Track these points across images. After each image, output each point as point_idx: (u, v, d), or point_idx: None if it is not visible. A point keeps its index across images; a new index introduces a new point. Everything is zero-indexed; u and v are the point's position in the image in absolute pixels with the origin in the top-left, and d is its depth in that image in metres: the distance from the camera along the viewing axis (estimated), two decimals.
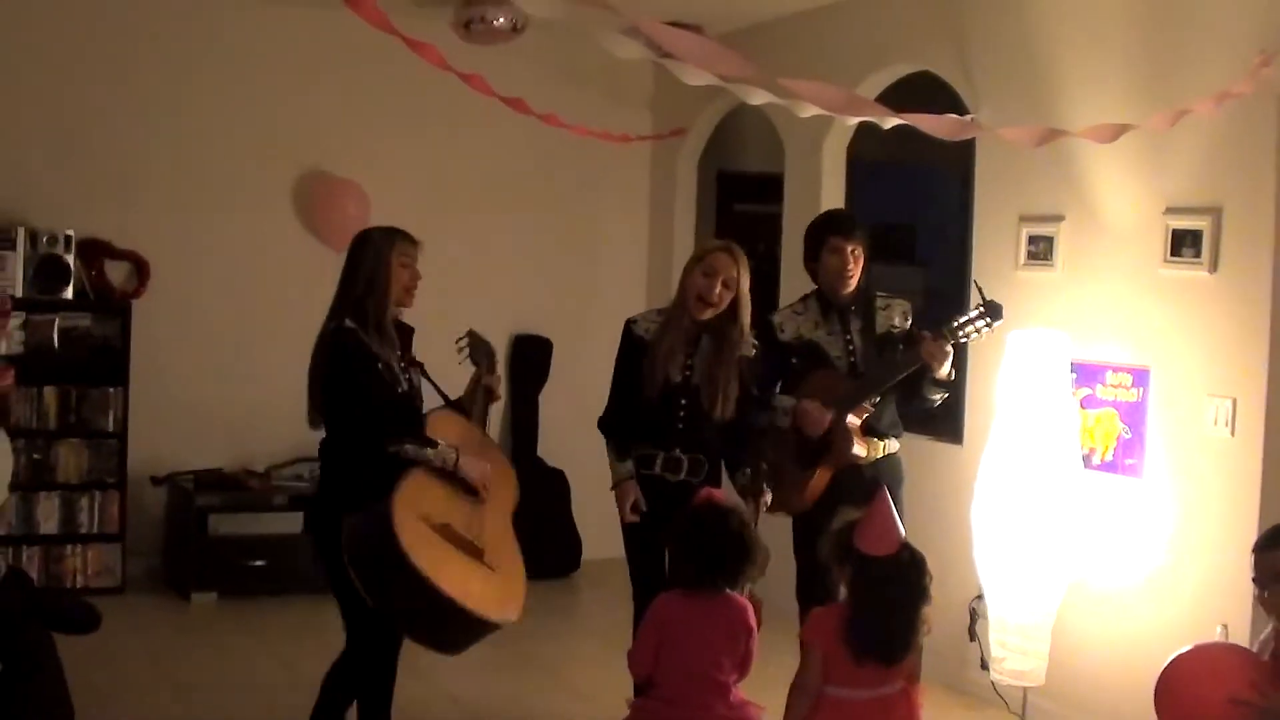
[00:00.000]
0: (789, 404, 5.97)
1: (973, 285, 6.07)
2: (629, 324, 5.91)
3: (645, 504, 5.73)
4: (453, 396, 5.59)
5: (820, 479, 5.90)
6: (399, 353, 5.35)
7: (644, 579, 5.73)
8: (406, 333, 5.45)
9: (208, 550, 8.40)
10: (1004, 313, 5.79)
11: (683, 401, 5.73)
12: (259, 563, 8.40)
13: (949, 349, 5.77)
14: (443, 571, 4.86)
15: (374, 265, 5.27)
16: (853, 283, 5.99)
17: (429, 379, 5.51)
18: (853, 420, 5.86)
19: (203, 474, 8.72)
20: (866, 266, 6.03)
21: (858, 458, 5.88)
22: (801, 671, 4.41)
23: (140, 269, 8.68)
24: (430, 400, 5.51)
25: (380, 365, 5.21)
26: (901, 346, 5.98)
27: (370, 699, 5.37)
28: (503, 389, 5.63)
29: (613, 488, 5.79)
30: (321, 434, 5.39)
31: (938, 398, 6.01)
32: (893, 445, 6.05)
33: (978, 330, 5.78)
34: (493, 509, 5.27)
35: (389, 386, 5.22)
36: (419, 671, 5.92)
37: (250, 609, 8.07)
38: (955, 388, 6.17)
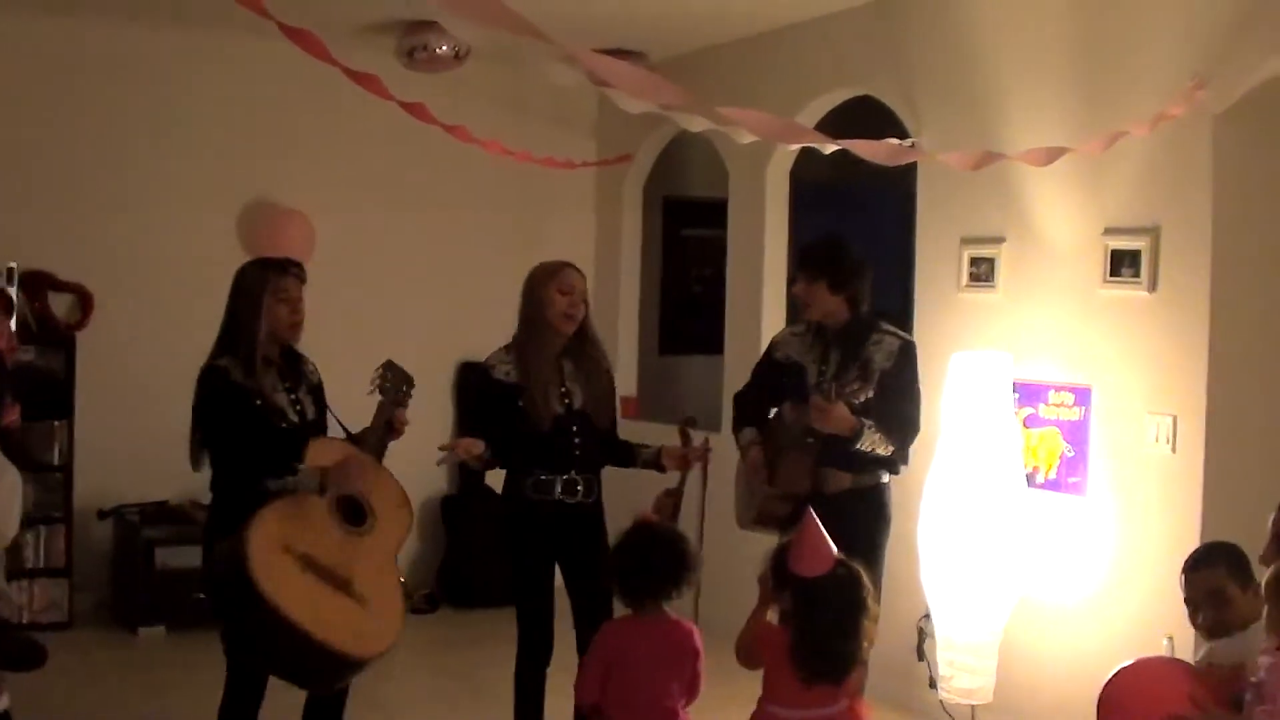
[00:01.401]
0: (747, 439, 6.01)
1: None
2: (489, 369, 5.83)
3: (540, 532, 5.77)
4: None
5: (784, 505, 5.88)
6: (286, 384, 5.31)
7: (532, 599, 5.79)
8: (294, 360, 5.40)
9: (155, 583, 8.34)
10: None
11: (574, 428, 5.77)
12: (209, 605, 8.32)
13: (828, 406, 5.54)
14: (293, 601, 4.73)
15: (247, 303, 5.23)
16: (810, 311, 5.91)
17: (327, 408, 5.46)
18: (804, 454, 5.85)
19: (149, 507, 8.68)
20: (850, 296, 5.87)
21: (799, 490, 5.83)
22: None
23: (84, 301, 8.63)
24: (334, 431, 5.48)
25: (258, 401, 5.16)
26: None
27: None
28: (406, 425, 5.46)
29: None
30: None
31: (864, 448, 5.68)
32: (866, 479, 5.83)
33: (854, 392, 5.64)
34: (375, 540, 5.12)
35: (263, 421, 5.15)
36: (369, 701, 5.91)
37: (199, 642, 7.93)
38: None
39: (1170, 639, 5.26)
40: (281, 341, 5.30)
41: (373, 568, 5.04)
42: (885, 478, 5.90)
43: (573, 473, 5.75)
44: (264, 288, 5.22)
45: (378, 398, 5.38)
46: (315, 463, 5.05)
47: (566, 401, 5.77)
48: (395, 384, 5.40)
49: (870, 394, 5.62)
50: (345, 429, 5.45)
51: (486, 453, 5.67)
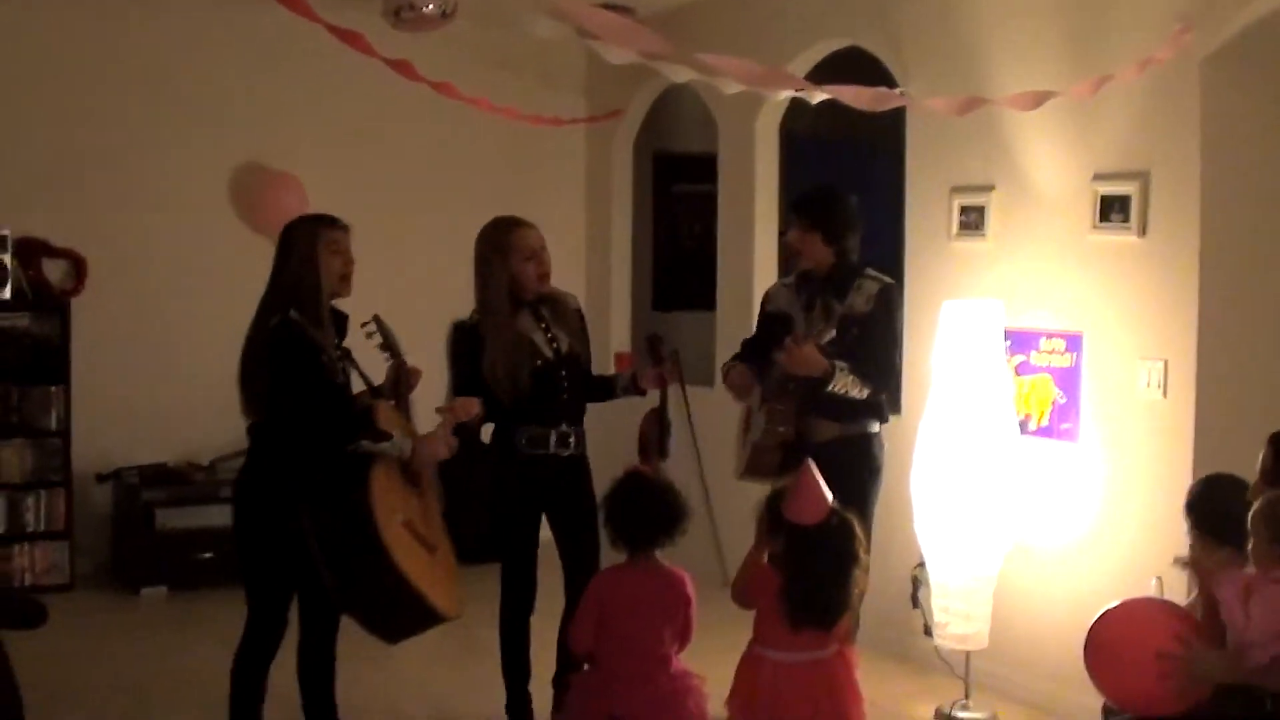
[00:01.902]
0: (728, 365, 6.11)
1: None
2: (466, 327, 5.91)
3: (529, 485, 5.83)
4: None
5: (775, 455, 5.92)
6: (336, 342, 5.33)
7: (517, 551, 5.89)
8: (342, 321, 5.40)
9: (156, 545, 8.42)
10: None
11: (563, 373, 5.82)
12: (207, 555, 8.40)
13: (798, 350, 5.61)
14: (413, 566, 4.89)
15: (303, 257, 5.22)
16: (801, 259, 5.99)
17: (357, 369, 5.47)
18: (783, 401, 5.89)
19: (148, 469, 8.72)
20: (840, 248, 5.93)
21: (785, 435, 5.87)
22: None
23: (78, 267, 8.66)
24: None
25: (324, 357, 5.18)
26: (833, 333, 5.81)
27: (248, 681, 5.39)
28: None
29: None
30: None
31: (837, 390, 5.71)
32: (853, 428, 5.88)
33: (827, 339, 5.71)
34: (431, 502, 5.29)
35: (328, 379, 5.18)
36: (367, 657, 5.94)
37: (200, 601, 8.07)
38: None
39: (1159, 579, 5.30)
40: (332, 294, 5.29)
41: (437, 528, 5.24)
42: (874, 427, 5.94)
43: (563, 425, 5.80)
44: (317, 241, 5.23)
45: (384, 357, 5.42)
46: (388, 427, 5.11)
47: (555, 346, 5.81)
48: (390, 338, 5.43)
49: (832, 334, 5.64)
50: (371, 385, 5.40)
51: (482, 410, 5.69)
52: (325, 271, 5.22)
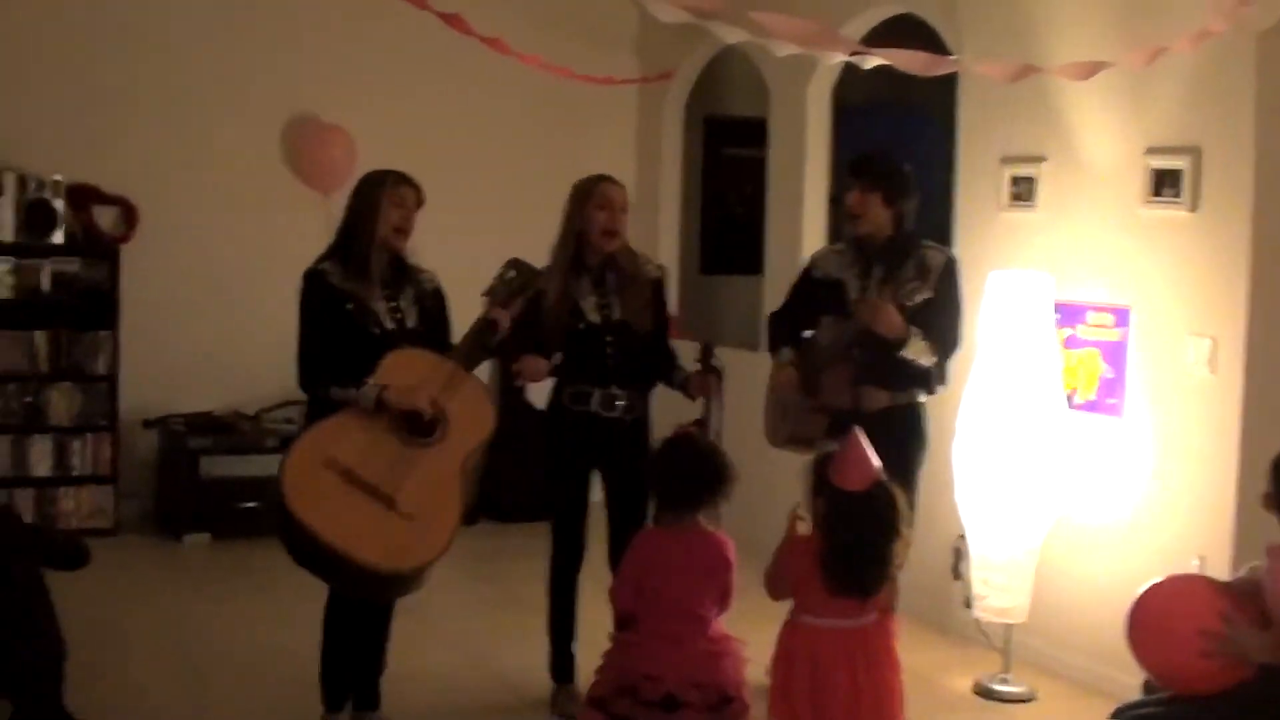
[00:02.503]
0: (785, 358, 6.03)
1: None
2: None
3: (576, 442, 5.84)
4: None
5: (819, 422, 5.91)
6: (388, 292, 5.35)
7: (564, 505, 5.91)
8: (401, 269, 5.41)
9: (200, 492, 8.49)
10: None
11: (608, 339, 5.80)
12: (251, 504, 8.45)
13: (885, 306, 5.62)
14: (320, 515, 4.83)
15: (363, 205, 5.30)
16: (862, 224, 5.89)
17: (430, 317, 5.46)
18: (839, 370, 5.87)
19: (194, 417, 8.79)
20: (899, 212, 5.89)
21: (838, 407, 5.83)
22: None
23: (129, 213, 8.71)
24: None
25: (351, 305, 5.23)
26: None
27: (339, 632, 5.43)
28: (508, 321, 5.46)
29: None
30: None
31: (909, 356, 5.74)
32: (903, 397, 5.88)
33: (917, 290, 5.70)
34: (439, 452, 5.14)
35: (355, 327, 5.22)
36: (408, 611, 5.97)
37: (242, 549, 8.13)
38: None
39: (1201, 559, 5.27)
40: (385, 245, 5.32)
41: (428, 482, 5.05)
42: (922, 397, 5.92)
43: (612, 386, 5.80)
44: (382, 191, 5.29)
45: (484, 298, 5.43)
46: (385, 377, 5.08)
47: (605, 312, 5.81)
48: (510, 282, 5.44)
49: (928, 295, 5.67)
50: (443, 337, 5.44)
51: (548, 368, 5.76)
52: (382, 219, 5.26)
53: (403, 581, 5.05)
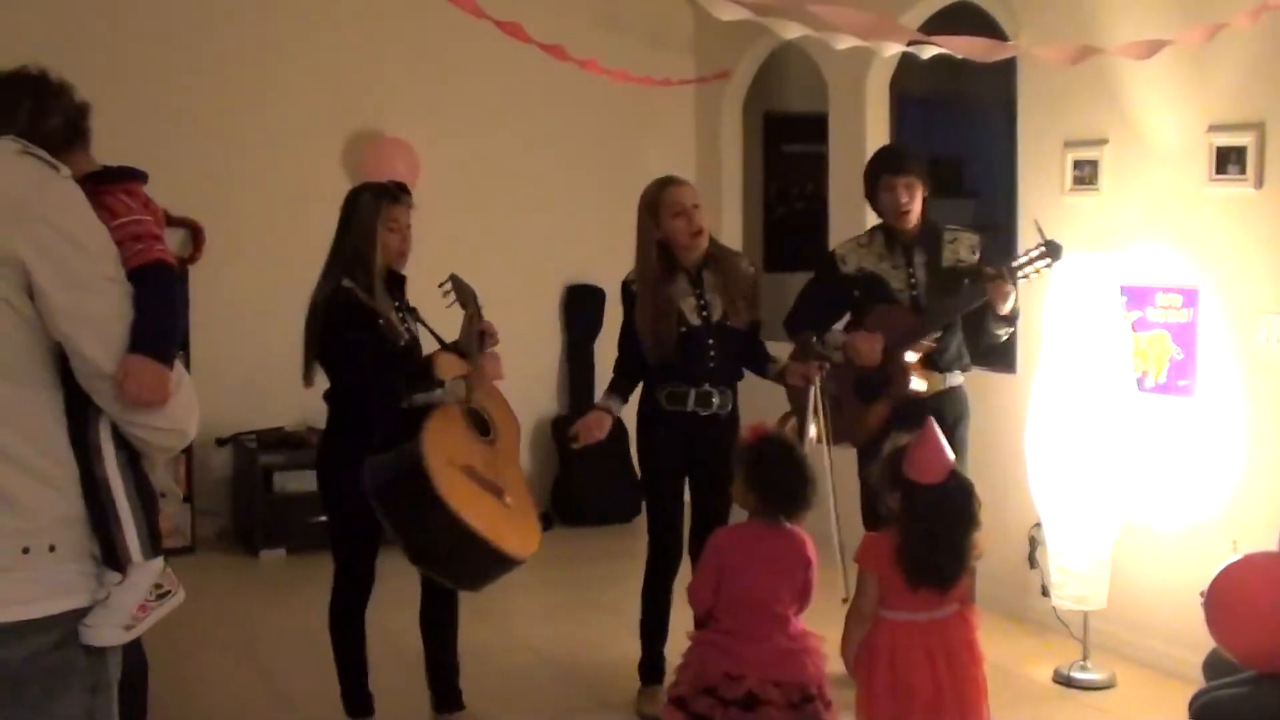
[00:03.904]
0: (841, 340, 6.03)
1: (1033, 224, 6.03)
2: (629, 285, 5.95)
3: (671, 442, 5.87)
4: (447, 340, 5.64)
5: (879, 413, 5.96)
6: (395, 304, 5.45)
7: (662, 507, 5.93)
8: (398, 282, 5.52)
9: (274, 508, 8.56)
10: (1063, 252, 5.83)
11: (710, 341, 5.82)
12: (324, 518, 8.47)
13: (1010, 287, 5.80)
14: (473, 510, 4.98)
15: (360, 231, 5.38)
16: (911, 217, 6.00)
17: (424, 325, 5.60)
18: (911, 355, 5.91)
19: (265, 434, 8.86)
20: (927, 199, 6.05)
21: (916, 392, 5.93)
22: (858, 597, 4.48)
23: (196, 235, 8.80)
24: (428, 346, 5.60)
25: (381, 321, 5.32)
26: (966, 281, 5.99)
27: (342, 632, 5.52)
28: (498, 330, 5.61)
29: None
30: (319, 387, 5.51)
31: (1003, 333, 6.07)
32: (955, 379, 6.09)
33: (1037, 269, 5.82)
34: (503, 449, 5.38)
35: (391, 340, 5.33)
36: (488, 616, 6.02)
37: (318, 563, 8.10)
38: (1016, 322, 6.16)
39: (1234, 543, 5.17)
40: (387, 267, 5.43)
41: (512, 475, 5.33)
42: (961, 379, 6.13)
43: (707, 385, 5.82)
44: (376, 218, 5.37)
45: (459, 311, 5.55)
46: (440, 373, 5.22)
47: (705, 314, 5.82)
48: (467, 295, 5.56)
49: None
50: (440, 340, 5.56)
51: (611, 423, 5.90)
52: (383, 248, 5.37)
53: (512, 568, 5.19)
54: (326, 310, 5.32)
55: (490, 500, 5.13)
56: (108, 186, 3.30)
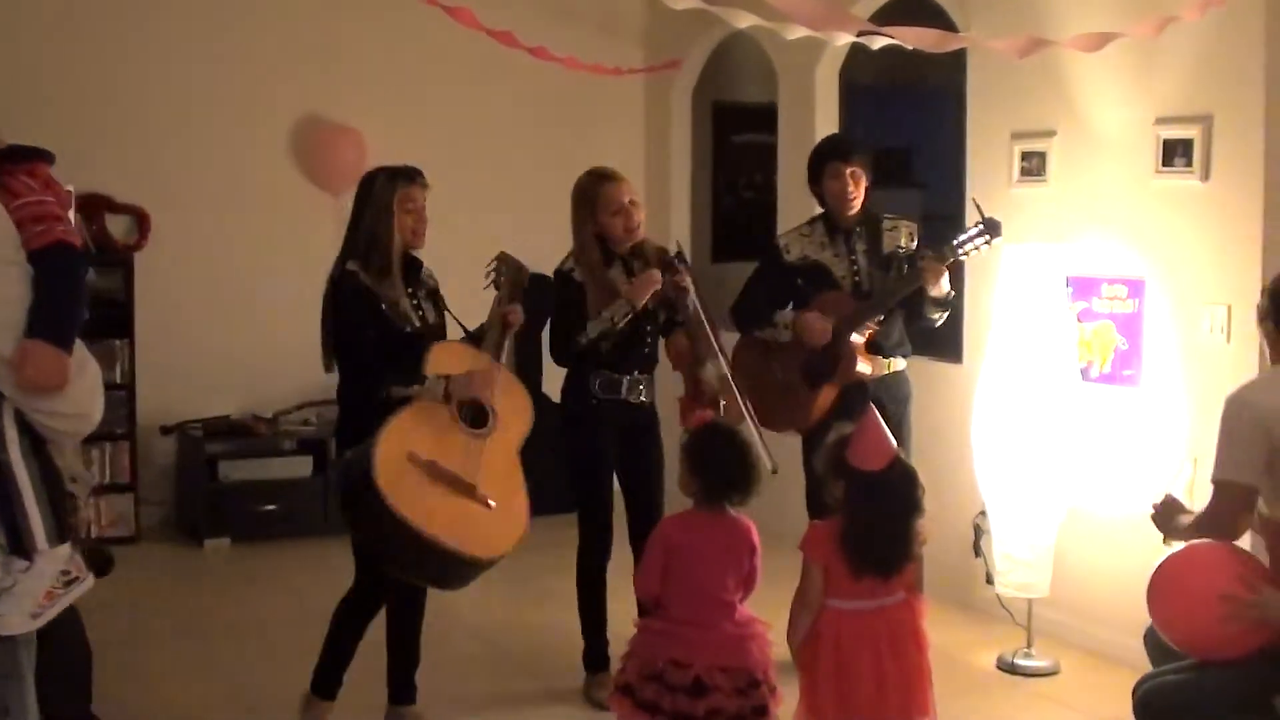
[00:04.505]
0: (789, 318, 6.08)
1: (970, 203, 6.09)
2: (569, 273, 5.95)
3: (604, 431, 5.90)
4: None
5: (826, 396, 6.02)
6: (410, 289, 5.42)
7: (593, 496, 5.95)
8: (415, 267, 5.50)
9: (219, 497, 8.50)
10: (1002, 229, 5.86)
11: (648, 327, 5.88)
12: (270, 507, 8.48)
13: (942, 268, 5.87)
14: (420, 508, 4.90)
15: (376, 211, 5.34)
16: (855, 204, 6.06)
17: (449, 311, 5.58)
18: (857, 338, 5.95)
19: (211, 422, 8.79)
20: (869, 189, 6.09)
21: (863, 375, 6.00)
22: (802, 585, 4.48)
23: (141, 221, 8.72)
24: (453, 332, 5.60)
25: (385, 306, 5.29)
26: (906, 267, 6.04)
27: (353, 628, 5.49)
28: (520, 317, 5.59)
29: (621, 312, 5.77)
30: (335, 377, 5.48)
31: (937, 316, 6.10)
32: (899, 363, 6.17)
33: (976, 247, 5.88)
34: (497, 441, 5.27)
35: (393, 326, 5.29)
36: (434, 606, 5.97)
37: (263, 552, 8.16)
38: (954, 306, 6.22)
39: (1194, 461, 5.19)
40: (404, 248, 5.40)
41: (498, 470, 5.20)
42: (902, 364, 6.21)
43: (637, 372, 5.84)
44: (392, 198, 5.34)
45: (493, 292, 5.54)
46: (436, 369, 5.18)
47: (652, 300, 5.82)
48: (511, 275, 5.55)
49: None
50: (463, 327, 5.56)
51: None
52: (399, 226, 5.33)
53: (485, 568, 5.14)
54: (333, 295, 5.32)
55: (454, 500, 5.03)
56: (8, 167, 3.21)
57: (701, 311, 5.78)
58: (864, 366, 5.99)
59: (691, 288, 5.77)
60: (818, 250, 6.13)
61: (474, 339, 5.49)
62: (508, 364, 5.45)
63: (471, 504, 5.07)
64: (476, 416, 5.26)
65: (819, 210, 6.26)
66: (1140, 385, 6.23)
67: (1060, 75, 6.50)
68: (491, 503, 5.10)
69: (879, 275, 6.07)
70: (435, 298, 5.59)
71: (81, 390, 2.97)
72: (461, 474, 5.08)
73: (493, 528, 5.10)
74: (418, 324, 5.39)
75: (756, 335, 6.25)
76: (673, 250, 5.97)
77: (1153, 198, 6.17)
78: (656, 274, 5.75)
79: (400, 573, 5.20)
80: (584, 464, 5.95)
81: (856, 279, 6.08)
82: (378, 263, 5.31)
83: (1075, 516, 6.39)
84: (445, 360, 5.25)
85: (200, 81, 8.86)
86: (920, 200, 10.09)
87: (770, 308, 6.19)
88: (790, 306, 6.17)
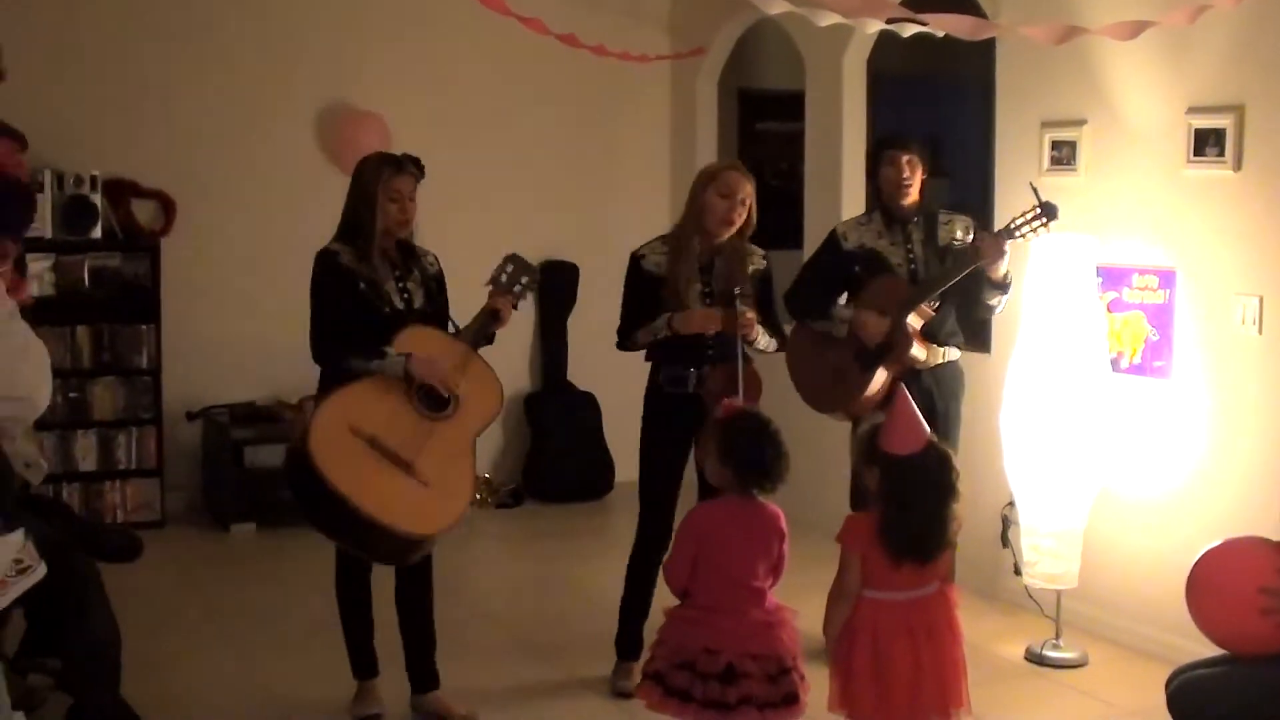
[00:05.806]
0: (847, 314, 6.12)
1: (1030, 186, 6.03)
2: (637, 259, 5.94)
3: (673, 420, 5.84)
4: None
5: (880, 381, 5.99)
6: (396, 273, 5.46)
7: (660, 494, 5.89)
8: (410, 252, 5.55)
9: (244, 482, 8.51)
10: (1058, 212, 5.88)
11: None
12: None
13: (1005, 248, 5.89)
14: (352, 477, 4.96)
15: (363, 196, 5.42)
16: (911, 193, 6.09)
17: (438, 297, 5.60)
18: (913, 323, 5.95)
19: (237, 407, 8.81)
20: (925, 183, 6.13)
21: (916, 360, 6.01)
22: (840, 576, 4.46)
23: (166, 207, 8.72)
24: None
25: (363, 285, 5.35)
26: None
27: (351, 601, 5.61)
28: (511, 315, 5.59)
29: (669, 328, 5.78)
30: None
31: (996, 301, 6.12)
32: (953, 353, 6.18)
33: (1034, 229, 5.89)
34: (452, 426, 5.28)
35: (370, 306, 5.35)
36: (460, 593, 6.01)
37: (288, 538, 8.15)
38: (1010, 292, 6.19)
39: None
40: (388, 234, 5.44)
41: (444, 453, 5.20)
42: (956, 354, 6.22)
43: (704, 366, 5.82)
44: (377, 185, 5.39)
45: (489, 288, 5.57)
46: (401, 348, 5.23)
47: (708, 301, 5.81)
48: (513, 276, 5.59)
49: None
50: (454, 322, 5.57)
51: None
52: (381, 214, 5.40)
53: (419, 546, 5.19)
54: (312, 274, 5.41)
55: (390, 473, 5.07)
56: None
57: (741, 361, 5.73)
58: (918, 351, 5.99)
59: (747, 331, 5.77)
60: (874, 239, 6.17)
61: (455, 330, 5.53)
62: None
63: (408, 480, 5.09)
64: (437, 400, 5.29)
65: (853, 197, 6.25)
66: (1171, 377, 6.20)
67: (1091, 64, 6.46)
68: (419, 475, 5.11)
69: (935, 264, 6.08)
70: (434, 284, 5.61)
71: (24, 374, 2.92)
72: (399, 451, 5.11)
73: (426, 505, 5.11)
74: (400, 306, 5.43)
75: (811, 327, 6.22)
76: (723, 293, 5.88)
77: (1184, 188, 6.13)
78: (716, 317, 5.74)
79: (333, 538, 5.26)
80: (650, 463, 5.95)
81: (913, 267, 6.09)
82: (361, 245, 5.39)
83: (1104, 509, 6.36)
84: (414, 342, 5.30)
85: (226, 68, 8.86)
86: (947, 190, 10.03)
87: (826, 297, 6.23)
88: (845, 296, 6.17)
